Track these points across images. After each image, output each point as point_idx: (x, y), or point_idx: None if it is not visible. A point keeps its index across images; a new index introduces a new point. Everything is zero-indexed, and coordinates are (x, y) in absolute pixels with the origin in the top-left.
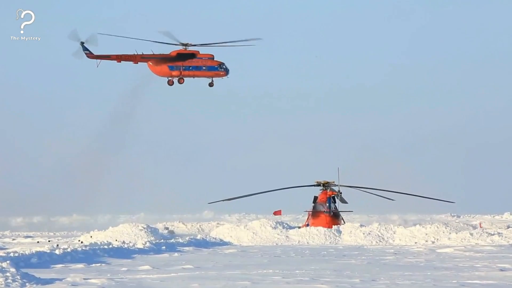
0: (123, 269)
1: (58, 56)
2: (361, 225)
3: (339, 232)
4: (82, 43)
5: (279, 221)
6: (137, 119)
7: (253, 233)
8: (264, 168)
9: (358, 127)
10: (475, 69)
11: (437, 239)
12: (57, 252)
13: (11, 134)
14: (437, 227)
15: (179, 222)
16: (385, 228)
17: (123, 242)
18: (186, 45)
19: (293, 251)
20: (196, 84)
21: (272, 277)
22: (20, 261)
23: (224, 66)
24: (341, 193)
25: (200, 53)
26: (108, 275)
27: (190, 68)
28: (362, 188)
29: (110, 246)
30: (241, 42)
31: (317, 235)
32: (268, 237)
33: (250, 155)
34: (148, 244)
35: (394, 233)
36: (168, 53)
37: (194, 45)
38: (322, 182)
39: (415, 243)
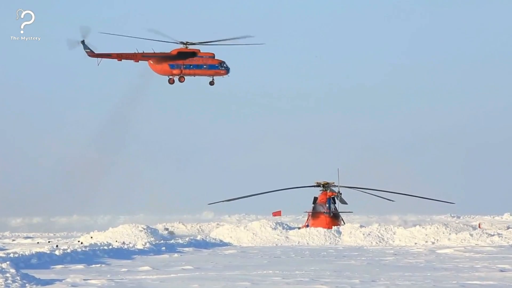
0: (123, 269)
1: (58, 56)
2: (361, 226)
3: (339, 232)
4: (82, 42)
5: (279, 221)
6: (137, 119)
7: (253, 233)
8: (264, 168)
9: (358, 127)
10: (475, 69)
11: (437, 239)
12: (57, 252)
13: (11, 134)
14: (437, 228)
15: (179, 222)
16: (385, 228)
17: (123, 243)
18: (186, 43)
19: (293, 251)
20: (195, 84)
21: (272, 277)
22: (20, 262)
23: (224, 65)
24: (341, 194)
25: (201, 51)
26: (108, 275)
27: (191, 66)
28: (362, 188)
29: (110, 247)
30: (241, 40)
31: (317, 235)
32: (268, 238)
33: (250, 155)
34: (148, 245)
35: (394, 233)
36: (169, 51)
37: (194, 44)
38: (322, 183)
39: (415, 243)
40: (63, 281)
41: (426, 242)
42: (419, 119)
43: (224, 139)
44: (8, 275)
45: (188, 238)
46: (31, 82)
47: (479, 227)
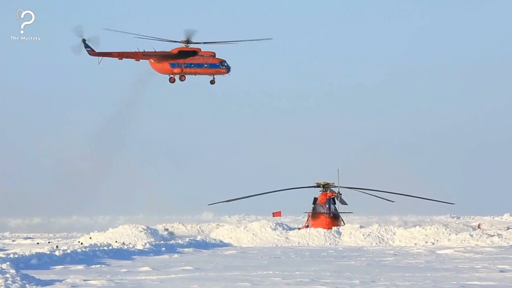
0: (123, 270)
1: (58, 56)
2: (361, 226)
3: (339, 233)
4: (83, 40)
5: (279, 222)
6: (137, 119)
7: (253, 234)
8: (264, 169)
9: (358, 127)
10: (475, 69)
11: (437, 240)
12: (57, 253)
13: (11, 134)
14: (437, 228)
15: (178, 223)
16: (385, 229)
17: (123, 243)
18: (187, 42)
19: (293, 252)
20: (195, 84)
21: (272, 278)
22: (20, 262)
23: (225, 64)
24: (341, 194)
25: (202, 50)
26: (108, 276)
27: (192, 65)
28: (361, 189)
29: (110, 247)
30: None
31: (317, 236)
32: (268, 238)
33: (250, 155)
34: (148, 245)
35: (394, 234)
36: (170, 50)
37: (196, 43)
38: (322, 183)
39: (415, 244)
40: (63, 281)
41: (426, 242)
42: (419, 119)
43: (224, 139)
44: (8, 275)
45: (188, 238)
46: (31, 82)
47: (478, 227)
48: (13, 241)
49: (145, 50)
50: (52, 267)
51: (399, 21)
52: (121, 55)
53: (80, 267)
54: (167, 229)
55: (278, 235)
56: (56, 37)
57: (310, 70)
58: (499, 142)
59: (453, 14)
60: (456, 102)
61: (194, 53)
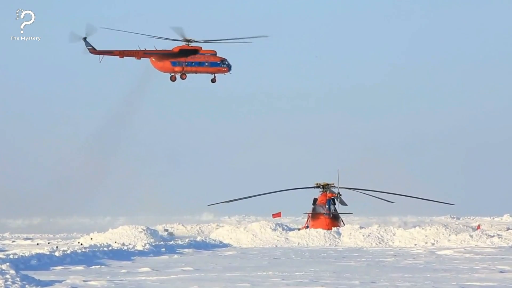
0: (123, 271)
1: (58, 56)
2: (360, 227)
3: (339, 234)
4: (84, 39)
5: (279, 223)
6: (137, 119)
7: (253, 235)
8: (264, 169)
9: (358, 127)
10: (475, 69)
11: (437, 241)
12: (56, 254)
13: (11, 134)
14: (437, 229)
15: (178, 224)
16: (385, 230)
17: (123, 244)
18: (188, 41)
19: (292, 253)
20: (194, 84)
21: (272, 279)
22: (20, 263)
23: (226, 62)
24: (340, 195)
25: (203, 49)
26: (108, 277)
27: (193, 64)
28: (361, 190)
29: (110, 248)
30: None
31: (316, 237)
32: (267, 239)
33: (249, 156)
34: (147, 246)
35: (394, 235)
36: (171, 49)
37: (197, 41)
38: (322, 184)
39: (415, 245)
40: (63, 282)
41: (426, 243)
42: (419, 119)
43: (224, 139)
44: (8, 276)
45: (188, 239)
46: (31, 82)
47: (477, 229)
48: (13, 241)
49: (146, 49)
50: (52, 267)
51: (399, 21)
52: (122, 54)
53: (80, 267)
54: (167, 230)
55: (278, 236)
56: (56, 37)
57: (310, 70)
58: (499, 143)
59: (453, 14)
60: (456, 102)
61: (195, 51)
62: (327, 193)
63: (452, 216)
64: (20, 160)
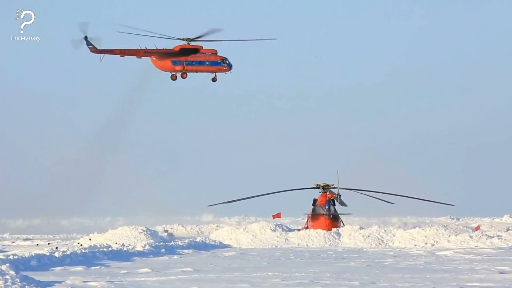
0: (123, 271)
1: (58, 56)
2: (360, 228)
3: (339, 234)
4: (85, 37)
5: (279, 223)
6: (136, 119)
7: (253, 235)
8: (263, 170)
9: (358, 127)
10: (475, 69)
11: (437, 241)
12: (56, 254)
13: (11, 134)
14: (437, 230)
15: (178, 224)
16: (385, 230)
17: (123, 245)
18: (189, 40)
19: (292, 253)
20: (194, 84)
21: (272, 279)
22: (20, 264)
23: (227, 61)
24: (340, 195)
25: (204, 48)
26: (108, 277)
27: (193, 63)
28: (361, 190)
29: (110, 248)
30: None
31: (316, 237)
32: (267, 240)
33: (249, 156)
34: (147, 246)
35: (394, 235)
36: (172, 48)
37: (198, 40)
38: (322, 185)
39: (415, 245)
40: (62, 283)
41: (426, 244)
42: (419, 119)
43: (223, 139)
44: (7, 277)
45: (187, 240)
46: (31, 82)
47: (476, 229)
48: (13, 242)
49: (147, 48)
50: (52, 268)
51: (399, 21)
52: (123, 53)
53: (79, 268)
54: (166, 231)
55: (277, 237)
56: (56, 37)
57: (310, 70)
58: (498, 143)
59: (453, 14)
60: (456, 103)
61: (195, 50)
62: (327, 194)
63: (452, 217)
64: (20, 160)
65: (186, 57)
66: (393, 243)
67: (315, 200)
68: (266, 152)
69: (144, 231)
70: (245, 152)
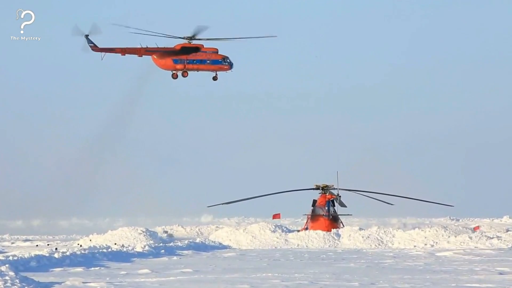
0: (122, 272)
1: (58, 56)
2: (360, 229)
3: (338, 235)
4: (86, 36)
5: (278, 224)
6: (136, 120)
7: (252, 236)
8: (263, 170)
9: (358, 127)
10: (475, 70)
11: (436, 242)
12: (56, 255)
13: (11, 134)
14: (436, 231)
15: (178, 225)
16: (384, 231)
17: (122, 246)
18: (190, 38)
19: (292, 254)
20: (193, 84)
21: (271, 280)
22: (19, 265)
23: (228, 60)
24: (340, 196)
25: (204, 46)
26: (107, 278)
27: (194, 61)
28: (361, 191)
29: (109, 249)
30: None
31: (316, 238)
32: (267, 241)
33: (249, 157)
34: (147, 247)
35: (393, 236)
36: (173, 46)
37: (198, 39)
38: (321, 186)
39: (414, 246)
40: (62, 284)
41: (425, 244)
42: (419, 119)
43: (223, 139)
44: (7, 278)
45: (187, 241)
46: (31, 82)
47: (475, 229)
48: (12, 243)
49: (148, 46)
50: (51, 269)
51: (399, 21)
52: (124, 51)
53: (79, 269)
54: (166, 232)
55: (277, 237)
56: (56, 37)
57: (310, 70)
58: (498, 143)
59: (453, 14)
60: (456, 103)
61: (196, 49)
62: (327, 194)
63: (452, 218)
64: (20, 161)
65: (187, 55)
66: (393, 244)
67: (314, 201)
68: (265, 153)
69: (143, 232)
70: (245, 152)
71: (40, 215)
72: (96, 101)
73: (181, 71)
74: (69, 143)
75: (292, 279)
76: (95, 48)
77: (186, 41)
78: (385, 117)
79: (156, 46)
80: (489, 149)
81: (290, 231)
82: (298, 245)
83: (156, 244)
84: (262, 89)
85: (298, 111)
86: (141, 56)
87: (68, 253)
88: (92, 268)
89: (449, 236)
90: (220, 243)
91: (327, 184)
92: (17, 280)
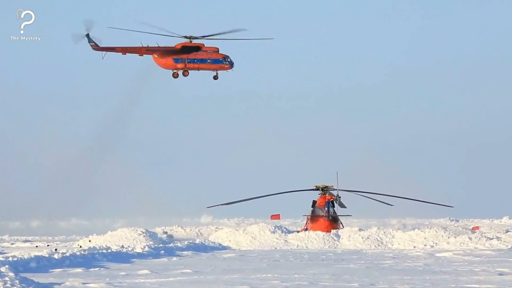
0: (122, 273)
1: (58, 56)
2: (360, 229)
3: (338, 236)
4: (87, 35)
5: (278, 225)
6: (136, 120)
7: (252, 237)
8: (263, 171)
9: (358, 127)
10: (475, 70)
11: (436, 243)
12: (55, 256)
13: (11, 134)
14: (436, 231)
15: (177, 226)
16: (384, 232)
17: (122, 247)
18: (191, 38)
19: (291, 255)
20: (193, 84)
21: (271, 281)
22: (19, 266)
23: (228, 59)
24: (339, 197)
25: (205, 46)
26: (107, 279)
27: (195, 61)
28: (360, 192)
29: (109, 250)
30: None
31: (315, 239)
32: (267, 241)
33: (249, 157)
34: (147, 248)
35: (393, 237)
36: (173, 45)
37: (199, 38)
38: (321, 186)
39: (414, 247)
40: (62, 284)
41: (425, 245)
42: (418, 120)
43: (223, 140)
44: (6, 278)
45: (187, 241)
46: (31, 82)
47: (474, 229)
48: (12, 244)
49: (149, 45)
50: (51, 270)
51: (399, 21)
52: (124, 50)
53: (79, 270)
54: (166, 232)
55: (277, 238)
56: (56, 37)
57: (310, 70)
58: (498, 144)
59: (453, 14)
60: (456, 103)
61: (197, 48)
62: (326, 195)
63: (451, 219)
64: (19, 161)
65: (187, 55)
66: (393, 245)
67: (314, 202)
68: (265, 153)
69: (143, 232)
70: (245, 152)
71: (39, 215)
72: (96, 101)
73: (181, 71)
74: (69, 143)
75: (292, 280)
76: (95, 47)
77: (187, 40)
78: (385, 117)
79: (157, 45)
80: (489, 150)
81: (289, 232)
82: (297, 245)
83: (156, 245)
84: (262, 88)
85: (298, 111)
86: (142, 56)
87: (67, 254)
88: (92, 269)
89: (448, 237)
90: (219, 244)
91: (327, 184)
92: (17, 281)
